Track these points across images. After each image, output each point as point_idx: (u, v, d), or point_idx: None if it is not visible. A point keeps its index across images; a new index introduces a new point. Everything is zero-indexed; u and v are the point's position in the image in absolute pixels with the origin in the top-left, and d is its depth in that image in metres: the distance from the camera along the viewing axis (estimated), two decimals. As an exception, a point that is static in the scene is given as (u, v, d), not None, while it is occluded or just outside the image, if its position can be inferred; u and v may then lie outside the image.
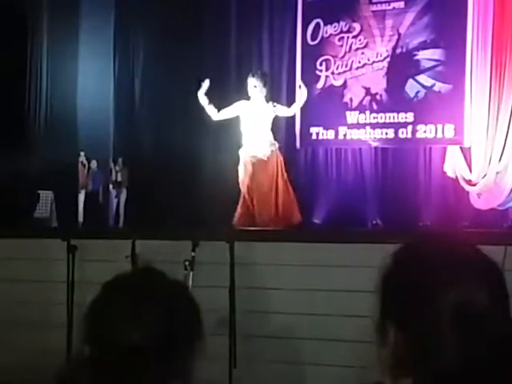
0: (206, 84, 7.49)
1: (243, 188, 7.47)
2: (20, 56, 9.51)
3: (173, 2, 10.08)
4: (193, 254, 5.27)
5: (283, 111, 7.70)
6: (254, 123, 7.50)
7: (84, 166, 9.94)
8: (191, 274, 5.12)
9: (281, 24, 10.11)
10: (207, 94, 7.46)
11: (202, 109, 7.70)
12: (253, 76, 7.65)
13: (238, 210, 7.47)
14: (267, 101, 7.59)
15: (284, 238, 5.72)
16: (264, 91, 7.59)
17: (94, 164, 9.97)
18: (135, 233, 5.95)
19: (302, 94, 7.75)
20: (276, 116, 9.80)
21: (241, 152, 7.54)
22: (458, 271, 1.17)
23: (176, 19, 10.10)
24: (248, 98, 7.58)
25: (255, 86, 7.53)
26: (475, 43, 9.13)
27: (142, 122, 10.36)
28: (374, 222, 9.20)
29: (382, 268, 1.22)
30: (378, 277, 1.23)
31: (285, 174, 7.58)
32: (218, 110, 7.54)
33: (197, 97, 7.64)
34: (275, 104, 7.66)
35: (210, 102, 7.51)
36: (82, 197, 9.84)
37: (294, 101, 9.80)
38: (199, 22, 10.05)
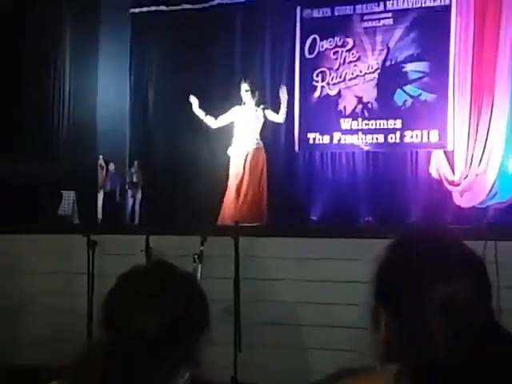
0: (193, 100, 7.50)
1: (229, 184, 7.44)
2: (45, 69, 9.51)
3: (183, 22, 10.05)
4: (201, 248, 5.24)
5: (273, 116, 7.60)
6: (244, 125, 7.46)
7: (102, 168, 9.92)
8: (200, 266, 5.09)
9: (281, 39, 10.08)
10: (202, 106, 7.46)
11: (209, 113, 7.69)
12: (245, 81, 7.63)
13: (224, 204, 7.43)
14: (258, 105, 7.56)
15: (284, 233, 5.69)
16: (255, 95, 7.54)
17: (111, 166, 9.94)
18: (149, 229, 5.92)
19: (284, 96, 7.63)
20: (278, 123, 9.80)
21: (229, 150, 7.53)
22: (445, 265, 1.16)
23: (186, 37, 10.08)
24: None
25: (247, 91, 7.50)
26: (457, 56, 9.10)
27: (155, 128, 10.35)
28: (366, 219, 9.17)
29: (377, 260, 1.21)
30: (373, 268, 1.21)
31: (264, 173, 7.47)
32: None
33: (203, 103, 7.63)
34: (265, 107, 7.58)
35: (208, 113, 7.51)
36: (100, 196, 9.81)
37: (292, 108, 9.81)
38: (208, 39, 10.02)
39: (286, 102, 7.53)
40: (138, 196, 10.04)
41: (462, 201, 8.97)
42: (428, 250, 1.18)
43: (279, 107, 7.45)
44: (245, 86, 7.55)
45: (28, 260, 5.58)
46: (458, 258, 1.17)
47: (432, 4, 9.24)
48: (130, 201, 10.05)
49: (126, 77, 10.16)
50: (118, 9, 9.93)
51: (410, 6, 9.35)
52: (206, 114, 7.47)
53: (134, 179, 10.03)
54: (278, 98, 9.85)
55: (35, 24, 9.28)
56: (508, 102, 8.79)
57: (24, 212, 7.19)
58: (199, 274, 4.95)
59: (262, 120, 7.53)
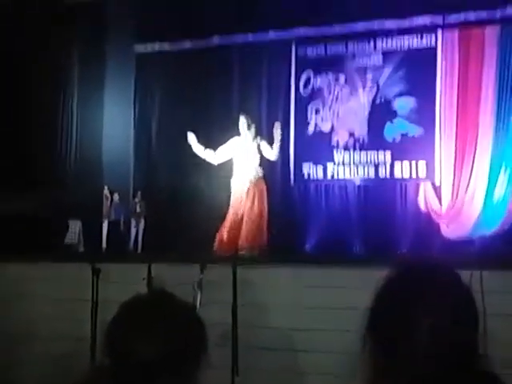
0: (191, 137, 7.55)
1: (229, 211, 7.47)
2: (54, 103, 9.59)
3: (185, 60, 10.16)
4: (201, 276, 5.25)
5: (267, 152, 7.63)
6: (244, 156, 7.51)
7: (107, 198, 9.93)
8: (199, 293, 5.10)
9: (277, 76, 10.17)
10: (201, 140, 7.54)
11: (210, 147, 7.77)
12: (243, 114, 7.72)
13: (220, 232, 7.44)
14: (255, 137, 7.63)
15: (280, 262, 5.70)
16: (253, 128, 7.62)
17: (116, 197, 9.96)
18: (151, 257, 5.93)
19: (277, 134, 7.68)
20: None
21: (231, 181, 7.58)
22: (436, 297, 1.19)
23: (187, 74, 10.19)
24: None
25: (244, 123, 7.58)
26: (443, 94, 9.19)
27: (158, 160, 10.40)
28: (358, 249, 9.16)
29: (375, 289, 1.24)
30: (369, 296, 1.24)
31: (264, 201, 7.50)
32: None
33: (203, 137, 7.71)
34: (261, 140, 7.63)
35: (207, 147, 7.58)
36: (105, 225, 9.80)
37: (287, 143, 9.88)
38: (207, 76, 10.13)
39: (279, 140, 7.59)
40: (141, 225, 10.04)
41: (449, 232, 8.97)
42: (418, 281, 1.21)
43: (273, 144, 7.52)
44: (243, 119, 7.64)
45: (35, 287, 5.58)
46: (445, 288, 1.20)
47: (419, 45, 9.36)
48: (134, 230, 10.04)
49: (130, 111, 10.24)
50: (124, 47, 10.05)
51: (399, 47, 9.47)
52: (205, 148, 7.53)
53: (138, 209, 10.04)
54: (272, 133, 9.96)
55: (45, 61, 9.38)
56: (491, 136, 8.86)
57: (32, 241, 7.20)
58: (199, 301, 4.95)
59: (264, 156, 7.59)
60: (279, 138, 7.58)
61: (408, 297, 1.20)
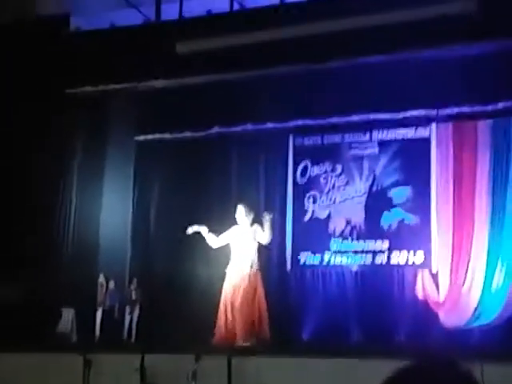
0: (194, 229, 7.64)
1: (223, 301, 7.43)
2: (53, 191, 9.66)
3: (184, 148, 10.33)
4: (195, 366, 5.14)
5: (260, 236, 7.71)
6: (240, 245, 7.58)
7: (102, 285, 9.82)
8: (193, 385, 4.96)
9: (274, 164, 10.29)
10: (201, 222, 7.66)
11: (204, 238, 7.82)
12: (240, 204, 7.82)
13: (218, 322, 7.37)
14: (251, 225, 7.69)
15: (276, 353, 5.59)
16: (250, 217, 7.70)
17: (111, 284, 9.84)
18: (145, 347, 5.81)
19: (266, 222, 7.78)
20: (271, 242, 9.87)
21: (227, 269, 7.58)
22: None
23: (186, 162, 10.32)
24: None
25: (241, 213, 7.68)
26: (438, 182, 9.28)
27: (155, 248, 10.39)
28: (356, 337, 8.99)
29: None
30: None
31: (259, 294, 7.47)
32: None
33: (200, 225, 7.78)
34: (256, 227, 7.68)
35: (209, 231, 7.65)
36: (99, 313, 9.64)
37: (284, 230, 9.90)
38: (206, 164, 10.26)
39: (268, 227, 7.69)
40: (136, 313, 9.88)
41: (447, 321, 8.84)
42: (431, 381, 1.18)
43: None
44: (240, 208, 7.73)
45: (25, 378, 5.43)
46: None
47: (413, 136, 9.54)
48: (128, 317, 9.87)
49: (129, 198, 10.30)
50: (124, 137, 10.23)
51: (394, 137, 9.65)
52: (209, 231, 7.63)
53: (133, 296, 9.92)
54: (272, 220, 10.03)
55: (46, 149, 9.53)
56: (488, 224, 8.88)
57: (24, 329, 7.07)
58: (192, 394, 4.81)
59: (256, 240, 7.62)
60: (268, 226, 7.68)
61: None
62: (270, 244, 9.83)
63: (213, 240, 7.72)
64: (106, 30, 9.72)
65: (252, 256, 7.56)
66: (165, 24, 9.58)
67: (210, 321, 7.61)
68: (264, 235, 7.58)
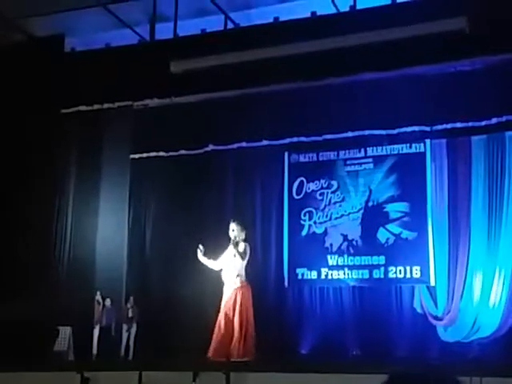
0: (200, 249, 7.74)
1: (219, 318, 7.49)
2: (49, 210, 9.63)
3: (179, 165, 10.35)
4: (193, 383, 5.10)
5: (239, 249, 7.77)
6: (231, 261, 7.63)
7: (99, 303, 9.79)
8: (192, 402, 4.92)
9: (270, 181, 10.32)
10: (196, 243, 7.68)
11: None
12: (233, 221, 7.85)
13: (214, 336, 7.41)
14: (246, 243, 7.76)
15: (274, 368, 5.55)
16: (242, 235, 7.75)
17: (108, 302, 9.81)
18: (142, 364, 5.77)
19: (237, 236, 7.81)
20: (268, 258, 9.88)
21: (224, 287, 7.65)
22: None
23: (182, 179, 10.35)
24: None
25: (233, 230, 7.73)
26: (434, 197, 9.32)
27: (151, 266, 10.39)
28: (354, 352, 8.97)
29: None
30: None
31: (249, 310, 7.47)
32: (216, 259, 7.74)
33: (197, 244, 7.81)
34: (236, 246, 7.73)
35: (209, 257, 7.71)
36: (96, 331, 9.60)
37: (281, 246, 9.91)
38: (202, 181, 10.28)
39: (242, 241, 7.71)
40: (133, 330, 9.84)
41: (446, 335, 8.82)
42: None
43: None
44: (232, 226, 7.78)
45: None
46: None
47: (408, 151, 9.58)
48: (125, 335, 9.84)
49: (124, 216, 10.27)
50: (120, 155, 10.24)
51: (389, 153, 9.70)
52: (209, 259, 7.70)
53: (130, 314, 9.88)
54: (268, 237, 10.05)
55: (42, 167, 9.52)
56: (485, 237, 8.90)
57: (20, 349, 7.02)
58: (191, 411, 4.76)
59: (244, 257, 7.66)
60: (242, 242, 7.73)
61: None
62: (267, 260, 9.86)
63: (213, 264, 7.79)
64: (100, 50, 9.77)
65: (239, 272, 7.61)
66: (159, 43, 9.64)
67: (207, 338, 7.57)
68: (240, 248, 7.67)
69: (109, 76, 9.40)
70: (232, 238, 7.68)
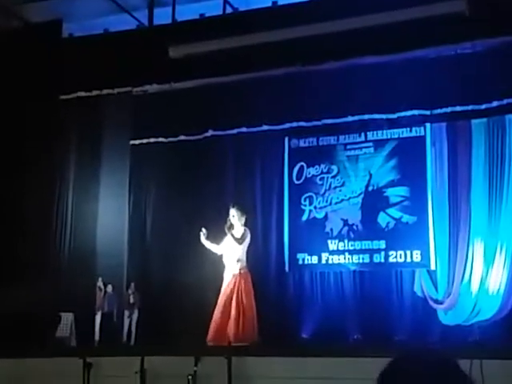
0: (203, 232, 7.77)
1: (218, 303, 7.56)
2: (49, 198, 9.65)
3: (179, 151, 10.34)
4: (195, 368, 5.13)
5: (235, 233, 7.81)
6: (230, 248, 7.67)
7: (101, 290, 9.83)
8: (194, 387, 4.96)
9: (270, 166, 10.32)
10: (197, 228, 7.76)
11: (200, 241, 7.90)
12: (233, 207, 7.88)
13: (213, 321, 7.48)
14: (245, 228, 7.80)
15: (276, 353, 5.58)
16: (242, 220, 7.79)
17: (109, 288, 9.85)
18: (144, 349, 5.81)
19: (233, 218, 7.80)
20: (268, 243, 9.91)
21: (224, 272, 7.70)
22: None
23: (182, 164, 10.34)
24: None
25: (233, 215, 7.75)
26: (434, 181, 9.31)
27: (152, 252, 10.41)
28: (356, 336, 9.02)
29: (374, 382, 1.21)
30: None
31: (249, 294, 7.53)
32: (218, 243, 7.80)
33: (197, 229, 7.84)
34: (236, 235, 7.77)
35: (211, 242, 7.76)
36: (98, 317, 9.65)
37: (282, 231, 9.94)
38: (202, 166, 10.27)
39: (237, 223, 7.79)
40: (135, 316, 9.89)
41: (446, 319, 8.87)
42: (417, 373, 1.18)
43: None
44: (232, 211, 7.81)
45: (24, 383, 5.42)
46: (445, 379, 1.18)
47: (408, 135, 9.57)
48: (127, 321, 9.88)
49: (125, 202, 10.30)
50: (120, 140, 10.24)
51: (389, 137, 9.68)
52: (212, 243, 7.76)
53: (131, 300, 9.93)
54: (268, 222, 10.08)
55: (41, 154, 9.52)
56: (485, 221, 8.91)
57: (23, 334, 7.06)
58: (193, 395, 4.80)
59: (240, 242, 7.70)
60: (238, 224, 7.72)
61: None
62: (267, 245, 9.90)
63: (215, 248, 7.84)
64: (99, 35, 9.73)
65: (240, 257, 7.65)
66: (158, 28, 9.59)
67: (208, 323, 7.63)
68: (236, 231, 7.71)
69: (107, 62, 9.37)
70: (228, 223, 7.73)
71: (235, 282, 7.52)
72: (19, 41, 9.62)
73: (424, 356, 1.25)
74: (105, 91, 9.77)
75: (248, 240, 7.87)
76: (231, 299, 7.45)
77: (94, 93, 9.76)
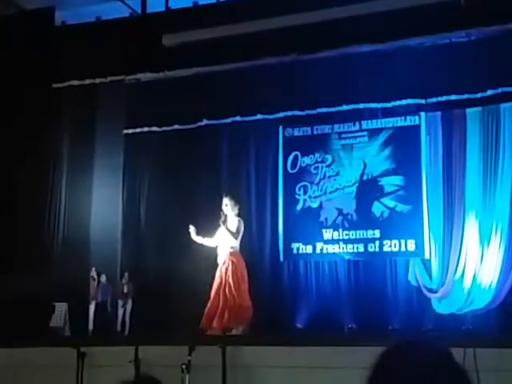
0: (192, 230, 7.73)
1: (212, 290, 7.59)
2: (43, 186, 9.61)
3: (173, 140, 10.31)
4: (189, 357, 5.14)
5: (229, 224, 7.82)
6: (225, 236, 7.68)
7: (94, 279, 9.83)
8: (187, 376, 4.97)
9: (265, 155, 10.31)
10: (190, 218, 7.78)
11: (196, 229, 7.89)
12: (226, 196, 7.88)
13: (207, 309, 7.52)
14: (239, 219, 7.80)
15: (271, 342, 5.59)
16: (236, 210, 7.79)
17: (103, 278, 9.86)
18: (138, 339, 5.81)
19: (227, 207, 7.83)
20: (263, 232, 9.92)
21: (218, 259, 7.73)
22: (430, 379, 1.16)
23: (176, 153, 10.32)
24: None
25: (226, 205, 7.76)
26: (429, 170, 9.33)
27: (146, 242, 10.40)
28: (350, 325, 9.05)
29: (368, 371, 1.21)
30: (363, 377, 1.21)
31: (233, 278, 7.54)
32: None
33: (191, 219, 7.83)
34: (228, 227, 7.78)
35: (204, 232, 7.76)
36: (92, 307, 9.66)
37: (276, 220, 9.94)
38: (196, 155, 10.26)
39: (230, 212, 7.76)
40: (129, 306, 9.90)
41: (440, 307, 8.91)
42: (411, 362, 1.19)
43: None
44: (225, 201, 7.81)
45: (18, 373, 5.42)
46: (439, 369, 1.18)
47: (403, 124, 9.57)
48: (121, 311, 9.90)
49: (118, 191, 10.28)
50: (113, 129, 10.20)
51: (384, 126, 9.68)
52: (204, 234, 7.75)
53: (125, 290, 9.93)
54: (263, 211, 10.07)
55: (34, 143, 9.47)
56: (480, 210, 8.93)
57: (16, 325, 7.05)
58: (187, 385, 4.81)
59: (238, 228, 7.72)
60: (231, 214, 7.73)
61: (400, 381, 1.17)
62: (262, 235, 9.90)
63: (208, 241, 7.84)
64: (91, 23, 9.67)
65: (232, 244, 7.67)
66: (151, 16, 9.54)
67: (203, 312, 7.63)
68: (230, 222, 7.72)
69: (100, 50, 9.31)
70: (222, 217, 7.72)
71: (224, 270, 7.56)
72: (11, 28, 9.55)
73: (417, 345, 1.25)
74: (98, 80, 9.72)
75: (241, 230, 7.88)
76: (223, 286, 7.48)
77: (87, 81, 9.71)
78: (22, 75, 9.33)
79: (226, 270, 7.52)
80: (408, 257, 9.28)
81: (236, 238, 7.64)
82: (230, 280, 7.47)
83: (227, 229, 7.63)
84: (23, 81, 9.35)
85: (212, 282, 7.71)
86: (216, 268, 7.76)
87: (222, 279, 7.51)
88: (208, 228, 7.96)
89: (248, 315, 7.50)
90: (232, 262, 7.54)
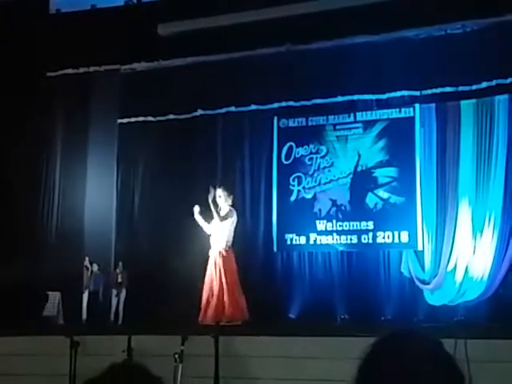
0: (196, 209, 7.79)
1: (205, 282, 7.63)
2: (36, 176, 9.60)
3: (167, 130, 10.29)
4: (182, 347, 5.16)
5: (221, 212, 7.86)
6: (216, 227, 7.71)
7: (88, 269, 9.82)
8: (180, 365, 4.99)
9: (259, 146, 10.29)
10: (185, 208, 7.80)
11: (191, 219, 7.88)
12: (219, 187, 7.89)
13: (203, 301, 7.57)
14: (231, 208, 7.83)
15: (263, 332, 5.62)
16: (229, 200, 7.81)
17: (95, 267, 9.85)
18: (132, 329, 5.82)
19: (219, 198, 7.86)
20: (256, 223, 9.93)
21: (210, 252, 7.78)
22: (421, 368, 1.17)
23: (170, 144, 10.30)
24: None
25: (220, 196, 7.77)
26: (423, 162, 9.33)
27: (140, 231, 10.39)
28: (343, 316, 9.07)
29: (359, 360, 1.22)
30: (354, 367, 1.22)
31: (227, 275, 7.58)
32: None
33: (185, 209, 7.84)
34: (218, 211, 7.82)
35: (205, 220, 7.80)
36: (85, 296, 9.66)
37: (270, 211, 9.95)
38: (190, 146, 10.23)
39: (223, 203, 7.88)
40: (122, 296, 9.90)
41: (432, 299, 8.95)
42: (402, 352, 1.19)
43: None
44: (219, 192, 7.82)
45: (12, 362, 5.42)
46: (429, 359, 1.19)
47: (397, 116, 9.57)
48: (115, 300, 9.90)
49: (112, 181, 10.27)
50: (107, 119, 10.17)
51: (378, 118, 9.67)
52: (205, 221, 7.80)
53: (119, 279, 9.93)
54: (257, 202, 10.07)
55: (28, 132, 9.45)
56: (473, 202, 8.95)
57: (10, 314, 7.06)
58: (180, 374, 4.84)
59: (233, 221, 7.73)
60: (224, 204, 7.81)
61: (390, 370, 1.18)
62: (256, 225, 9.92)
63: (206, 227, 7.87)
64: (86, 11, 9.62)
65: (226, 237, 7.68)
66: (146, 5, 9.49)
67: (196, 302, 7.65)
68: (222, 211, 7.76)
69: (95, 39, 9.28)
70: (214, 205, 7.76)
71: (216, 261, 7.59)
72: (6, 15, 9.49)
73: (409, 336, 1.26)
74: (92, 69, 9.69)
75: (234, 220, 7.89)
76: (215, 278, 7.52)
77: (82, 70, 9.67)
78: (15, 63, 9.29)
79: (216, 265, 7.57)
80: (401, 248, 9.30)
81: (221, 221, 7.67)
82: (220, 275, 7.52)
83: (216, 211, 7.67)
84: (17, 69, 9.30)
85: (205, 273, 7.73)
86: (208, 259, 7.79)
87: (211, 274, 7.56)
88: (202, 217, 7.98)
89: (241, 317, 7.53)
90: (222, 258, 7.58)
